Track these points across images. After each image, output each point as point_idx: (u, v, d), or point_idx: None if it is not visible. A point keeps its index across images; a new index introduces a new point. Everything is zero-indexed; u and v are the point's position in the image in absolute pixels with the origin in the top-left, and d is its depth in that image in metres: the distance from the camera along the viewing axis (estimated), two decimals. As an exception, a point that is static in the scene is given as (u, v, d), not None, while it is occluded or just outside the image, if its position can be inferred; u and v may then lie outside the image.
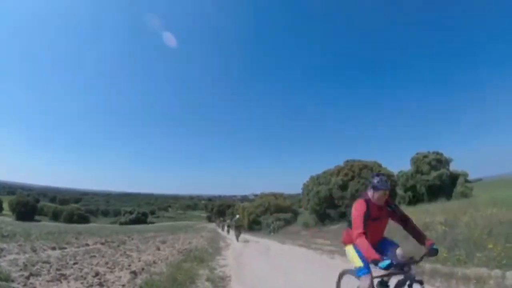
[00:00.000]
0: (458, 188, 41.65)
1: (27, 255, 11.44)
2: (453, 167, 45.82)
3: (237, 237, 27.47)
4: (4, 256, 10.79)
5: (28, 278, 7.70)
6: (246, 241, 26.95)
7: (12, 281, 7.26)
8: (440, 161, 44.97)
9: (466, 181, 43.86)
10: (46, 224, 69.53)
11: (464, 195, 37.58)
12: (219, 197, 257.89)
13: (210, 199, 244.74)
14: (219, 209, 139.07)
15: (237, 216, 37.41)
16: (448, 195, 37.08)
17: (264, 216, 56.48)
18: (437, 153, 45.71)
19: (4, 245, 13.55)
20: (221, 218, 71.39)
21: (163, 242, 22.28)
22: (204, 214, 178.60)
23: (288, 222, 50.09)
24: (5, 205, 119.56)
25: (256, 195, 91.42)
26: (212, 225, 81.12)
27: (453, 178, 43.67)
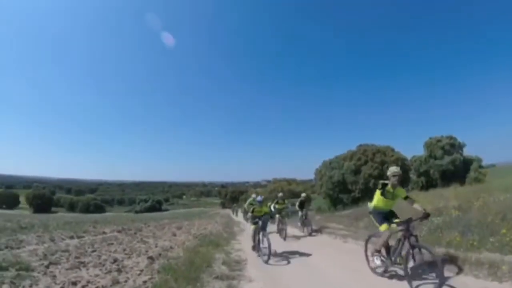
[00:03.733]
0: (472, 174, 41.29)
1: (46, 245, 11.68)
2: (467, 152, 45.40)
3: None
4: (24, 247, 11.04)
5: (47, 267, 7.90)
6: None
7: (32, 270, 7.46)
8: (454, 146, 44.52)
9: (480, 166, 43.40)
10: (63, 215, 70.48)
11: (478, 180, 37.26)
12: (232, 183, 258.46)
13: (223, 185, 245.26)
14: (232, 196, 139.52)
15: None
16: (461, 181, 36.74)
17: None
18: (451, 138, 45.22)
19: (24, 236, 13.85)
20: (234, 205, 71.40)
21: (179, 228, 22.46)
22: (217, 201, 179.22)
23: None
24: (22, 199, 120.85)
25: (268, 181, 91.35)
26: (226, 211, 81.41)
27: (467, 163, 43.24)
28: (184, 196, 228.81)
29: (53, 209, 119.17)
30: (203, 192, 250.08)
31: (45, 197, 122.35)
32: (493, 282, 6.38)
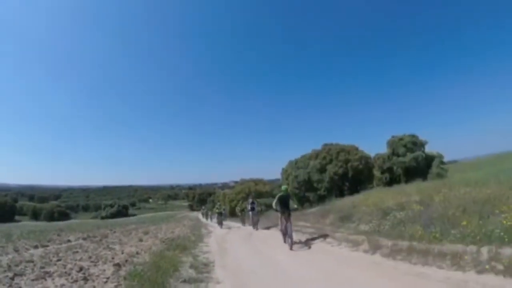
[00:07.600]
0: (434, 170, 42.42)
1: (10, 256, 11.38)
2: (429, 149, 46.62)
3: (220, 223, 29.69)
4: (-13, 258, 10.73)
5: (12, 278, 7.71)
6: (229, 228, 27.16)
7: (-3, 283, 7.27)
8: (416, 144, 45.58)
9: (441, 162, 44.63)
10: (27, 224, 68.52)
11: (440, 176, 38.26)
12: (200, 185, 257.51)
13: (190, 188, 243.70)
14: (200, 198, 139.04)
15: (218, 203, 40.28)
16: (424, 177, 37.77)
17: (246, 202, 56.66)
18: (413, 136, 46.28)
19: (-14, 248, 13.46)
20: (203, 207, 71.06)
21: (146, 233, 22.23)
22: (185, 203, 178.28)
23: (269, 207, 50.06)
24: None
25: (236, 182, 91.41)
26: (194, 214, 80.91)
27: (429, 160, 44.37)
28: (151, 200, 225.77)
29: (16, 217, 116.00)
30: (170, 195, 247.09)
31: (7, 205, 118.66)
32: (456, 271, 6.60)
